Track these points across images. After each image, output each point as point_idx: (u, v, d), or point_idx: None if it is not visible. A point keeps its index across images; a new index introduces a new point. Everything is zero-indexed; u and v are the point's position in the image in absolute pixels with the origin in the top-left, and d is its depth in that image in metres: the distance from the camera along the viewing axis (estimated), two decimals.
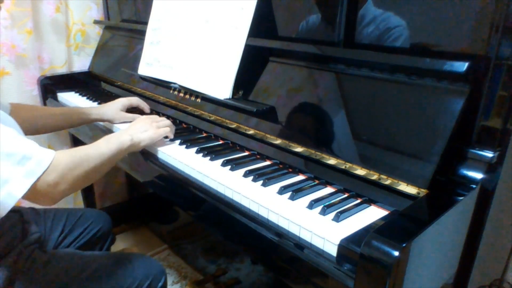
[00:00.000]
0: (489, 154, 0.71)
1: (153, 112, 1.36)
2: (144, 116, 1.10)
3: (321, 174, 0.87)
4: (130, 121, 1.18)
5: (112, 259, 0.99)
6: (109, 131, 1.25)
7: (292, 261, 0.70)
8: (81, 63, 1.78)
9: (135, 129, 1.00)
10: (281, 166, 0.94)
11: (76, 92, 1.64)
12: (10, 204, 0.72)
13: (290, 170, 0.92)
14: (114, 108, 1.22)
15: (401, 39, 0.81)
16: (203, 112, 1.16)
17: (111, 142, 0.90)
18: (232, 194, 0.83)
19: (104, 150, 0.88)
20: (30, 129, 1.14)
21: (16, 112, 1.10)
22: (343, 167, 0.82)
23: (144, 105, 1.29)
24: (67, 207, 1.33)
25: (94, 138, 1.32)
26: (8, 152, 0.71)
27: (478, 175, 0.72)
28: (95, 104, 1.48)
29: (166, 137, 1.09)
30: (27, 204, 1.18)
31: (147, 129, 1.01)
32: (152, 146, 1.05)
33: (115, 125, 1.24)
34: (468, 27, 0.72)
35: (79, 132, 1.46)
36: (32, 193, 0.73)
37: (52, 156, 0.76)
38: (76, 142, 1.72)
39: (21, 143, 0.74)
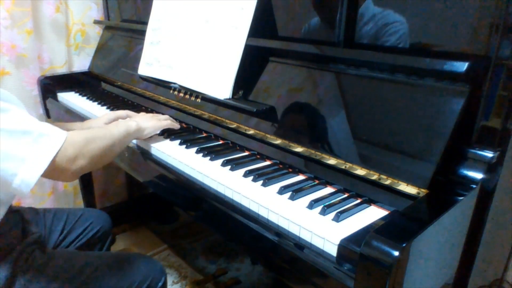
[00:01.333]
0: (489, 154, 0.71)
1: (153, 112, 1.36)
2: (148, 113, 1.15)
3: (321, 174, 0.87)
4: None
5: (112, 259, 0.99)
6: None
7: (292, 261, 0.70)
8: (81, 63, 1.78)
9: (140, 118, 1.07)
10: (281, 166, 0.94)
11: (76, 92, 1.64)
12: (32, 181, 0.73)
13: (290, 170, 0.92)
14: (98, 122, 1.19)
15: (399, 35, 0.81)
16: (203, 112, 1.16)
17: (120, 125, 0.97)
18: (232, 194, 0.83)
19: (114, 131, 0.93)
20: None
21: None
22: (343, 167, 0.82)
23: (134, 114, 1.22)
24: (67, 207, 1.33)
25: None
26: (24, 130, 0.73)
27: (478, 175, 0.72)
28: (95, 104, 1.48)
29: (168, 136, 1.09)
30: (27, 204, 1.18)
31: (151, 119, 1.08)
32: (152, 146, 1.05)
33: None
34: (468, 27, 0.72)
35: None
36: (52, 169, 0.75)
37: (65, 134, 0.78)
38: None
39: (35, 122, 0.76)
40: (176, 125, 1.15)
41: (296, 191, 0.79)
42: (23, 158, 0.72)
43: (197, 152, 1.01)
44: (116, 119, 1.21)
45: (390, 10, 0.83)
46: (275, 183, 0.85)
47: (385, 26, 0.83)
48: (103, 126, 0.98)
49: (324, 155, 0.85)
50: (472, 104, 0.71)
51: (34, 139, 0.73)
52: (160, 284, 1.01)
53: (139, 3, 1.60)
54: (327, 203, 0.75)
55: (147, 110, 1.38)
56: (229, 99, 1.05)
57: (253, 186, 0.84)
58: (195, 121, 1.19)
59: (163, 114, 1.30)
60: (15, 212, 1.01)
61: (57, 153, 0.76)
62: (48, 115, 1.63)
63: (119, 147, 0.94)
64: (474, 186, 0.71)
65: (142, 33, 1.40)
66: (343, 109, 0.85)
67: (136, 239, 1.96)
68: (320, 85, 0.92)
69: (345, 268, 0.62)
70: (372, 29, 0.86)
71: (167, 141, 1.09)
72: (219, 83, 1.08)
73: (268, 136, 0.97)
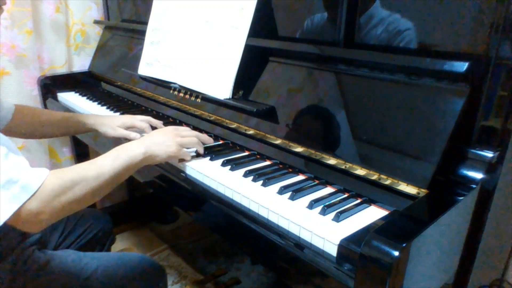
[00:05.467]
0: (489, 154, 0.71)
1: (153, 112, 1.36)
2: (170, 127, 0.98)
3: (321, 174, 0.86)
4: (126, 139, 1.09)
5: (112, 260, 0.99)
6: None
7: (292, 261, 0.70)
8: (81, 63, 1.78)
9: (152, 140, 0.89)
10: (281, 166, 0.94)
11: (76, 92, 1.64)
12: None
13: (290, 170, 0.92)
14: (112, 122, 1.13)
15: (404, 42, 0.81)
16: (203, 112, 1.16)
17: (120, 157, 0.80)
18: (232, 194, 0.83)
19: (107, 168, 0.77)
20: (29, 134, 1.14)
21: (20, 114, 1.10)
22: (343, 167, 0.82)
23: (157, 123, 1.14)
24: None
25: (96, 137, 1.33)
26: None
27: (478, 175, 0.72)
28: (95, 104, 1.48)
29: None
30: None
31: (168, 143, 0.89)
32: None
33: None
34: (468, 27, 0.72)
35: None
36: (15, 219, 0.67)
37: (41, 180, 0.69)
38: (76, 142, 1.73)
39: (9, 164, 0.67)
40: (200, 148, 0.97)
41: (296, 191, 0.79)
42: None
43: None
44: (132, 126, 1.13)
45: (391, 11, 0.83)
46: (275, 183, 0.85)
47: (393, 34, 0.83)
48: (99, 157, 0.80)
49: (324, 155, 0.85)
50: (472, 104, 0.71)
51: (1, 186, 0.65)
52: (160, 284, 1.01)
53: (139, 3, 1.60)
54: (327, 203, 0.75)
55: (147, 110, 1.38)
56: (229, 99, 1.05)
57: (253, 186, 0.84)
58: (195, 121, 1.19)
59: (163, 114, 1.31)
60: None
61: (23, 204, 0.66)
62: None
63: (112, 185, 0.79)
64: (474, 186, 0.71)
65: (142, 33, 1.40)
66: (343, 109, 0.85)
67: (136, 239, 1.96)
68: (320, 85, 0.92)
69: (345, 268, 0.62)
70: (373, 32, 0.86)
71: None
72: (219, 83, 1.08)
73: (268, 136, 0.97)
